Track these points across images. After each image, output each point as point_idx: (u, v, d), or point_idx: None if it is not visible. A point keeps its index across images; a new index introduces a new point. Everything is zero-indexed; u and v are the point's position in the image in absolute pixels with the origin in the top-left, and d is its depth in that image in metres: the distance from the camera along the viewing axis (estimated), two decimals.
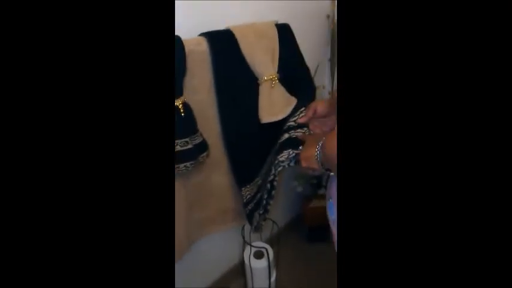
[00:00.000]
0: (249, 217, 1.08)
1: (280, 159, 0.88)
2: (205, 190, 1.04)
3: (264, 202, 0.99)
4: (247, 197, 1.05)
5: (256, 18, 1.04)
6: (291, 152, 0.88)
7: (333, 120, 0.88)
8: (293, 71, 1.03)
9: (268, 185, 0.94)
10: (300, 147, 0.86)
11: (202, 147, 0.87)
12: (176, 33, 0.81)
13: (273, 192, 0.96)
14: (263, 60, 0.94)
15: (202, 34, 0.89)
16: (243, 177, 1.03)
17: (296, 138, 0.90)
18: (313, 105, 0.91)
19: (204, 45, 0.87)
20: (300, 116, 0.93)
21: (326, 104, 0.89)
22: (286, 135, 0.92)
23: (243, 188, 1.04)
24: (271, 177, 0.92)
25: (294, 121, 0.93)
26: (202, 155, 0.87)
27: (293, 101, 0.96)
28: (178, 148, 0.79)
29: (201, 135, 0.86)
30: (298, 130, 0.91)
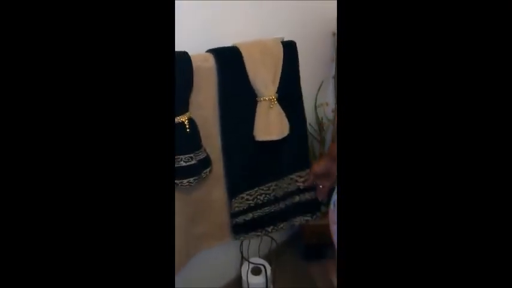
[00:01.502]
0: (234, 230, 1.11)
1: (295, 220, 1.14)
2: (204, 204, 1.04)
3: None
4: (235, 210, 1.06)
5: (262, 34, 1.05)
6: (303, 219, 1.14)
7: (334, 173, 0.97)
8: (290, 91, 1.05)
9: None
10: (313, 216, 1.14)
11: (206, 162, 0.87)
12: (184, 49, 0.82)
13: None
14: (265, 79, 0.96)
15: (209, 50, 0.90)
16: (232, 189, 1.05)
17: (306, 201, 1.13)
18: (311, 171, 1.04)
19: (210, 62, 0.88)
20: (302, 180, 1.11)
21: (323, 163, 0.99)
22: (297, 198, 1.11)
23: (232, 200, 1.05)
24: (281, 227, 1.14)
25: (303, 182, 1.11)
26: (205, 171, 0.87)
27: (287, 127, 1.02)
28: (182, 164, 0.79)
29: (204, 150, 0.86)
30: (307, 193, 1.12)
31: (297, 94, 1.09)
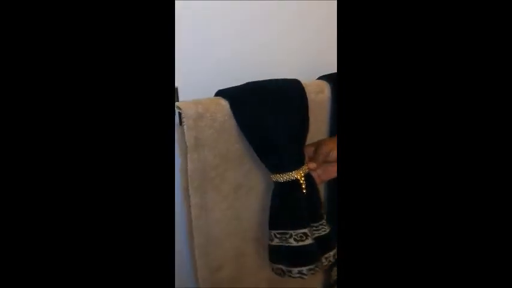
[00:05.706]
0: None
1: None
2: None
3: None
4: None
5: None
6: None
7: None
8: None
9: None
10: None
11: (328, 242, 0.58)
12: (295, 77, 0.64)
13: None
14: None
15: (322, 77, 0.70)
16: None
17: None
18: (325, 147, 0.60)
19: (326, 93, 0.67)
20: None
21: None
22: None
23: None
24: None
25: None
26: (327, 255, 0.58)
27: None
28: (292, 243, 0.54)
29: (326, 223, 0.58)
30: None
31: None
